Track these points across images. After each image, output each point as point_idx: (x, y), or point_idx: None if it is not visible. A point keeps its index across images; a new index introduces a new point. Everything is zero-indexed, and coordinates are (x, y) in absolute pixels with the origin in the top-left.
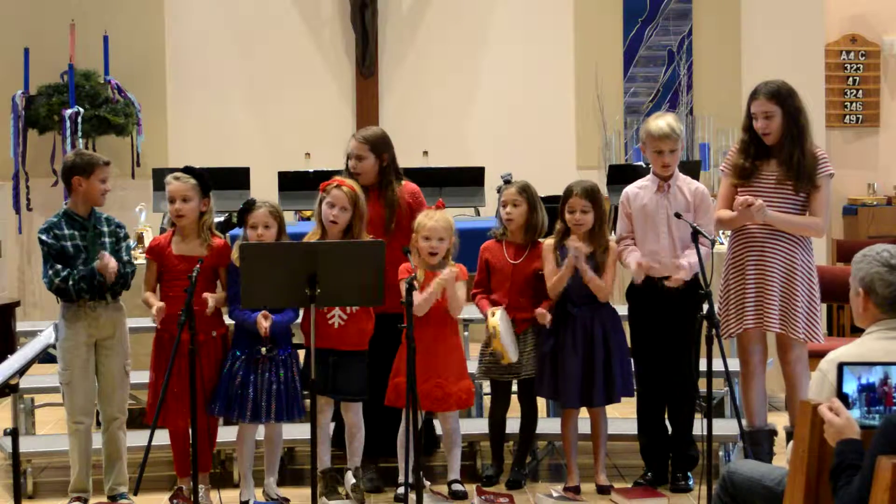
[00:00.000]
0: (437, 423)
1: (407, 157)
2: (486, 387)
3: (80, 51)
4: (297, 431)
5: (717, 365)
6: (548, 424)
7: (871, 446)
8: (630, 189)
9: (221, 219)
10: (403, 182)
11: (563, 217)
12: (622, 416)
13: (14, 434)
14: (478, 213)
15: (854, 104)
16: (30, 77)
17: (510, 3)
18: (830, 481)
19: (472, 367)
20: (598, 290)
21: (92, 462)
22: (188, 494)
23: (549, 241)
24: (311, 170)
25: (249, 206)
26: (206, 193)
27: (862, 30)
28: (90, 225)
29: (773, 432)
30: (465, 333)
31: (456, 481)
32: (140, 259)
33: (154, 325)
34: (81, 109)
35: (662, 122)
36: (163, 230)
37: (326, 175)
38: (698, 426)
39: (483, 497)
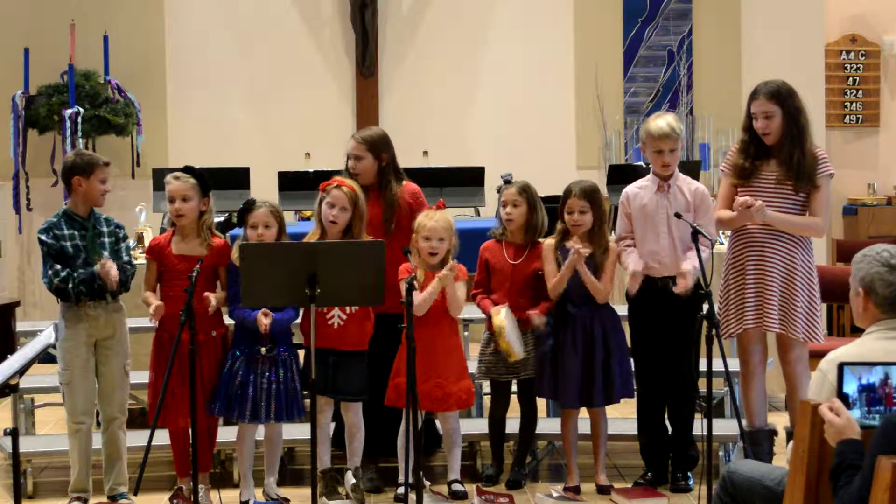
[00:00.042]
0: (438, 423)
1: (407, 157)
2: (486, 387)
3: (80, 51)
4: (297, 431)
5: (717, 365)
6: (548, 424)
7: (871, 446)
8: (630, 189)
9: (221, 219)
10: (404, 182)
11: (562, 217)
12: (622, 416)
13: (14, 434)
14: (478, 213)
15: (854, 104)
16: (30, 77)
17: (510, 3)
18: (830, 481)
19: (472, 367)
20: (597, 293)
21: (92, 462)
22: (188, 494)
23: (549, 242)
24: (311, 170)
25: (249, 205)
26: (206, 193)
27: (862, 30)
28: (90, 225)
29: (773, 432)
30: (465, 333)
31: (456, 481)
32: (140, 259)
33: (154, 325)
34: (81, 109)
35: (662, 121)
36: (163, 230)
37: (326, 175)
38: (698, 426)
39: (483, 497)
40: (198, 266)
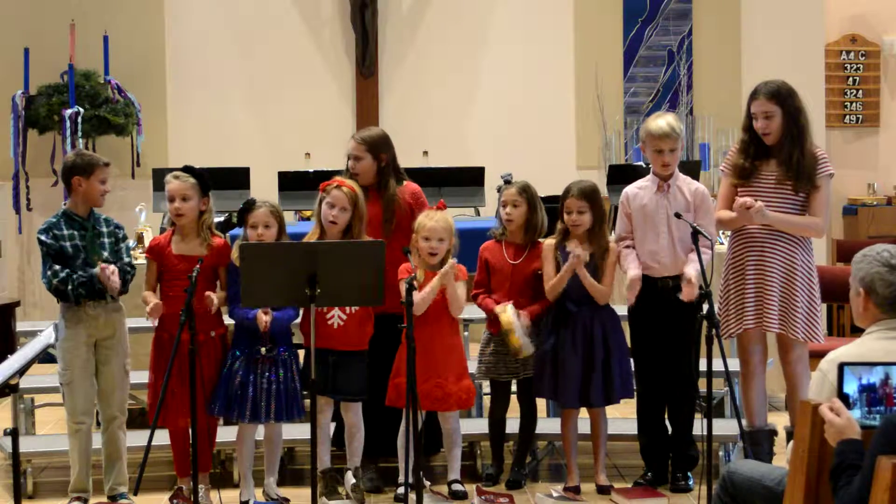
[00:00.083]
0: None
1: (407, 157)
2: (486, 387)
3: (80, 51)
4: (297, 431)
5: (717, 365)
6: (548, 424)
7: (871, 446)
8: (630, 189)
9: (221, 219)
10: (405, 182)
11: (562, 217)
12: (622, 416)
13: (14, 434)
14: (478, 213)
15: (854, 104)
16: (30, 77)
17: (510, 3)
18: (831, 481)
19: (472, 367)
20: (598, 295)
21: (92, 462)
22: (188, 494)
23: (549, 242)
24: (311, 170)
25: (249, 205)
26: (206, 193)
27: (862, 30)
28: (89, 225)
29: (773, 432)
30: (465, 333)
31: (456, 481)
32: (140, 259)
33: (153, 324)
34: (81, 109)
35: (662, 121)
36: (163, 230)
37: (326, 175)
38: (698, 426)
39: (483, 497)
40: (198, 266)
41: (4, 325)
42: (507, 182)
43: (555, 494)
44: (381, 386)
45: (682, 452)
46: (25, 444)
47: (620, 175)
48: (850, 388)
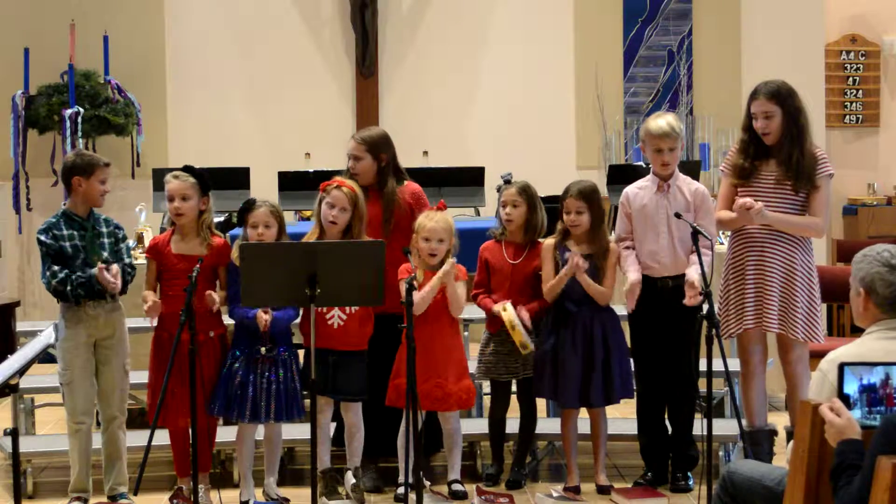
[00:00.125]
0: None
1: (407, 157)
2: (486, 387)
3: (80, 51)
4: (297, 431)
5: (717, 365)
6: (548, 424)
7: (871, 446)
8: (630, 189)
9: (221, 219)
10: (406, 182)
11: (562, 217)
12: (622, 416)
13: (14, 434)
14: (478, 213)
15: (854, 104)
16: (30, 77)
17: (510, 3)
18: (831, 481)
19: (473, 367)
20: (600, 297)
21: (92, 462)
22: (188, 494)
23: (548, 242)
24: (311, 170)
25: (250, 205)
26: (206, 192)
27: (862, 30)
28: (89, 225)
29: (773, 432)
30: (465, 333)
31: (456, 481)
32: (140, 259)
33: (152, 323)
34: (81, 109)
35: (662, 120)
36: (163, 230)
37: (326, 175)
38: (698, 426)
39: (483, 497)
40: (198, 266)
41: (4, 325)
42: (507, 182)
43: (555, 494)
44: (381, 386)
45: (682, 452)
46: (25, 444)
47: (620, 175)
48: (851, 388)
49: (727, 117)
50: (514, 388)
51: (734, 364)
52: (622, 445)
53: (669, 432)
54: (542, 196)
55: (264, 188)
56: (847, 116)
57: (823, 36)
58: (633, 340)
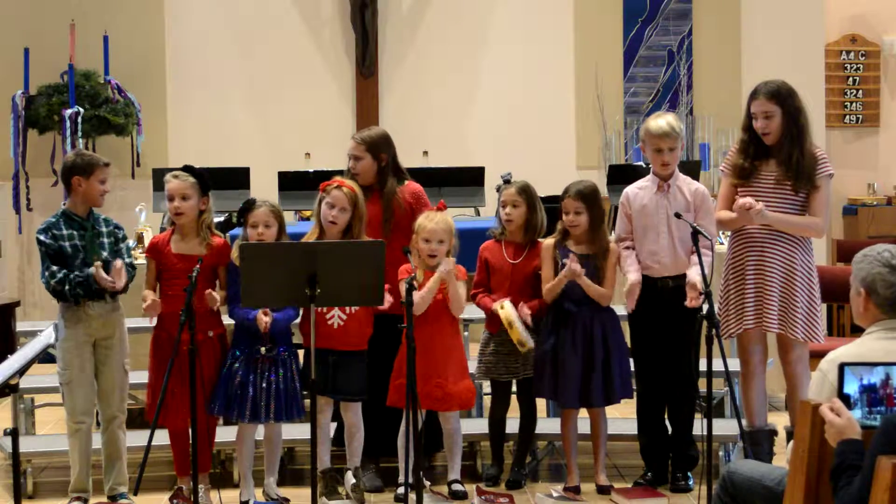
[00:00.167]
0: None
1: (407, 157)
2: (487, 387)
3: (80, 51)
4: (297, 431)
5: (717, 365)
6: (548, 424)
7: (871, 446)
8: (630, 189)
9: (221, 219)
10: (406, 182)
11: (562, 218)
12: (622, 416)
13: (14, 434)
14: (478, 213)
15: (854, 104)
16: (30, 77)
17: (510, 3)
18: (831, 481)
19: (472, 367)
20: (600, 298)
21: (92, 462)
22: (188, 494)
23: (548, 242)
24: (311, 170)
25: (250, 205)
26: (206, 192)
27: (862, 30)
28: (89, 225)
29: (773, 432)
30: (465, 333)
31: (456, 481)
32: (140, 259)
33: (151, 323)
34: (81, 109)
35: (662, 120)
36: (163, 230)
37: (326, 175)
38: (698, 426)
39: (483, 497)
40: (198, 266)
41: (4, 325)
42: (507, 182)
43: (555, 494)
44: (381, 386)
45: (682, 452)
46: (25, 444)
47: (620, 175)
48: (851, 388)
49: (727, 117)
50: (514, 388)
51: (734, 364)
52: (622, 445)
53: (669, 432)
54: (542, 196)
55: (264, 188)
56: (847, 116)
57: (823, 36)
58: (633, 340)
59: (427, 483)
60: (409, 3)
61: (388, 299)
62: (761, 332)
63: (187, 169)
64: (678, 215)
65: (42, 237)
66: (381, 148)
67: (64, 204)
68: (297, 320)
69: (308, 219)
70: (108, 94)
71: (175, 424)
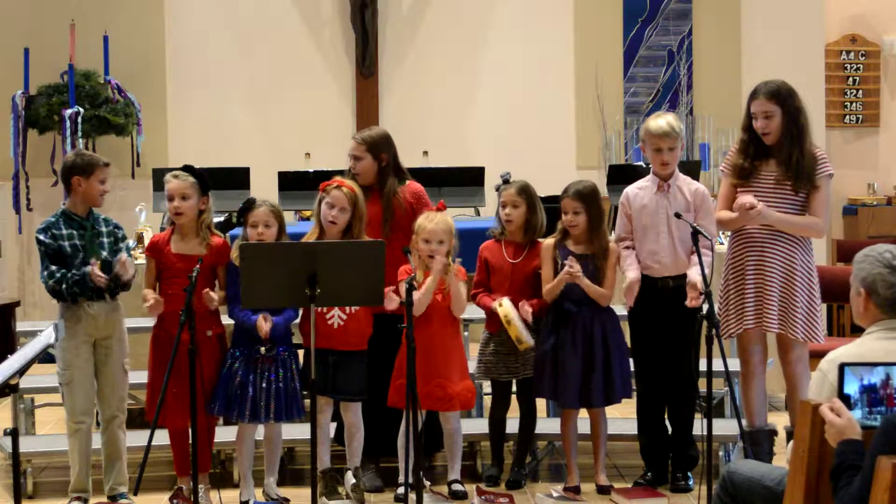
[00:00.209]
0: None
1: (407, 157)
2: (487, 387)
3: (80, 51)
4: (297, 431)
5: (717, 365)
6: (548, 424)
7: (871, 446)
8: (630, 189)
9: (221, 219)
10: (408, 182)
11: (562, 217)
12: (622, 416)
13: (14, 434)
14: (478, 213)
15: (854, 104)
16: (30, 77)
17: (510, 3)
18: (831, 482)
19: (472, 367)
20: (600, 298)
21: (92, 462)
22: (188, 494)
23: (547, 242)
24: (311, 170)
25: (250, 204)
26: (205, 192)
27: (862, 30)
28: (88, 225)
29: (773, 432)
30: (465, 333)
31: (456, 481)
32: (140, 259)
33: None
34: (81, 109)
35: (662, 120)
36: (163, 230)
37: (326, 175)
38: (698, 426)
39: (483, 497)
40: (198, 266)
41: (4, 325)
42: (506, 181)
43: (555, 494)
44: (382, 386)
45: (682, 452)
46: (25, 444)
47: (620, 175)
48: (852, 388)
49: (727, 117)
50: (514, 388)
51: (734, 364)
52: (622, 445)
53: (669, 432)
54: (542, 196)
55: (264, 188)
56: (847, 116)
57: (823, 36)
58: (633, 340)
59: (427, 483)
60: (409, 3)
61: (395, 300)
62: (761, 332)
63: (187, 169)
64: (678, 215)
65: (41, 237)
66: (381, 148)
67: (63, 204)
68: (297, 320)
69: (308, 219)
70: (108, 94)
71: (175, 424)
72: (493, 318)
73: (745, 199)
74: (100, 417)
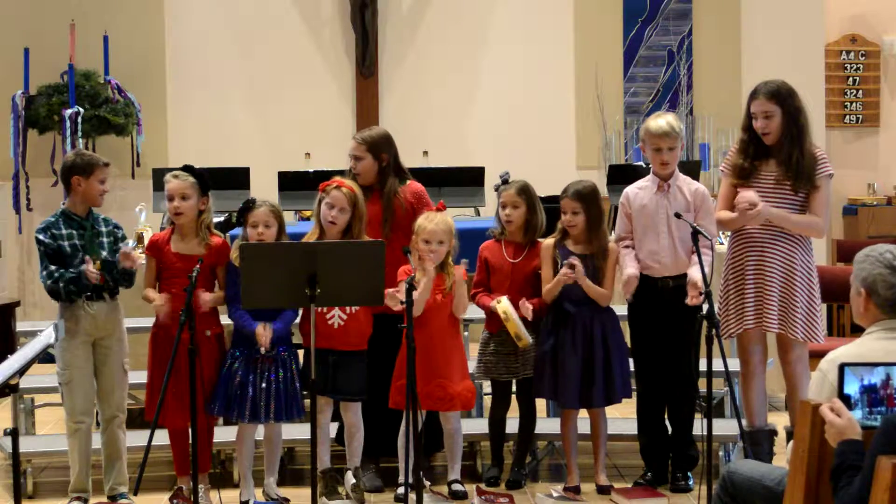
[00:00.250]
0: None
1: (407, 157)
2: (487, 387)
3: (80, 51)
4: (297, 431)
5: (717, 365)
6: (548, 424)
7: (871, 446)
8: (630, 189)
9: (221, 219)
10: (408, 182)
11: (561, 217)
12: (622, 416)
13: (14, 434)
14: (478, 213)
15: (854, 104)
16: (30, 77)
17: (510, 3)
18: (831, 482)
19: (472, 367)
20: (600, 298)
21: (92, 462)
22: (188, 494)
23: (547, 242)
24: (311, 170)
25: (250, 204)
26: (205, 192)
27: (862, 30)
28: (88, 225)
29: (773, 432)
30: (465, 333)
31: (456, 481)
32: (140, 259)
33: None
34: (81, 109)
35: (662, 120)
36: (162, 230)
37: (326, 175)
38: (698, 426)
39: (483, 497)
40: (198, 266)
41: (4, 325)
42: (505, 181)
43: (555, 494)
44: (382, 386)
45: (682, 452)
46: (25, 444)
47: (620, 175)
48: (852, 388)
49: (727, 117)
50: (514, 388)
51: (734, 364)
52: (622, 445)
53: (669, 432)
54: (542, 196)
55: (264, 188)
56: (847, 116)
57: (823, 36)
58: (633, 340)
59: (427, 483)
60: (409, 3)
61: (398, 300)
62: (761, 332)
63: (187, 169)
64: (678, 215)
65: (41, 237)
66: (381, 148)
67: (63, 204)
68: (297, 320)
69: (308, 219)
70: (108, 94)
71: (175, 424)
72: (493, 317)
73: (747, 195)
74: (100, 417)
